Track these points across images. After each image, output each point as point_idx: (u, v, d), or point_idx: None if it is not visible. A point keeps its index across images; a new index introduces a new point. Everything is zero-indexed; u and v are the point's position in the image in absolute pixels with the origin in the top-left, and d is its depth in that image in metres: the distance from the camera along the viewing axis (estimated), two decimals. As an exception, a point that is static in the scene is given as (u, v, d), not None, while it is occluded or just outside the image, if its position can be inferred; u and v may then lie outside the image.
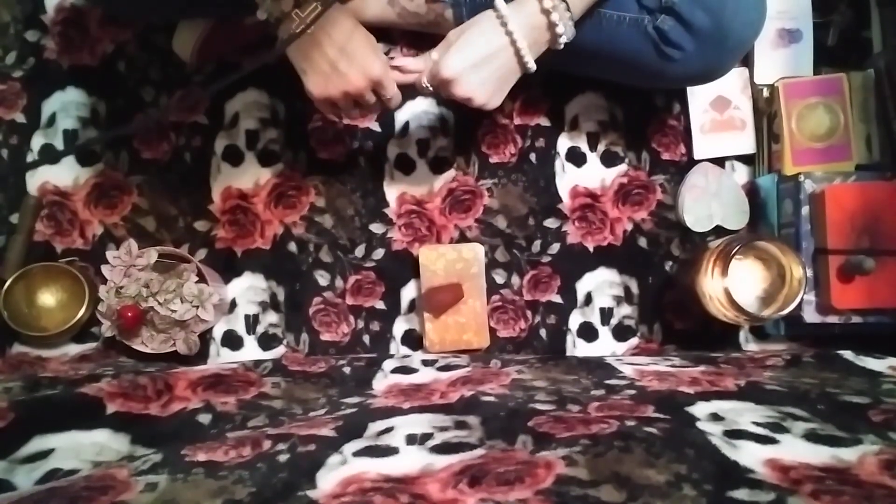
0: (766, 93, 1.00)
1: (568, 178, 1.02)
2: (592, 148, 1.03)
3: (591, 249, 1.02)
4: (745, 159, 1.03)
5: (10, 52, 1.02)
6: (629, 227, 1.02)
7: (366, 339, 1.01)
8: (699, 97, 1.02)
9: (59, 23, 1.02)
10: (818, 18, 1.01)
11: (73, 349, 0.99)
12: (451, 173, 1.02)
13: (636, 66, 0.85)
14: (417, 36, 1.01)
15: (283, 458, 0.56)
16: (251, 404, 0.76)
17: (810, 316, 0.92)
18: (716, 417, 0.61)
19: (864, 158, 0.97)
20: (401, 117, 1.02)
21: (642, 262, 1.02)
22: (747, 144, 1.02)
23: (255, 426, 0.71)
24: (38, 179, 1.01)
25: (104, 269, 0.94)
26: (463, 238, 1.02)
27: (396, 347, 1.02)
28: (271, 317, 1.01)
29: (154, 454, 0.61)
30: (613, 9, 0.81)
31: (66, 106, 1.02)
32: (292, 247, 1.01)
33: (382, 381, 0.83)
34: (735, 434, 0.56)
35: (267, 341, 1.01)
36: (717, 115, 1.02)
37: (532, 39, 0.76)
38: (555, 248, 1.02)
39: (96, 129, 1.02)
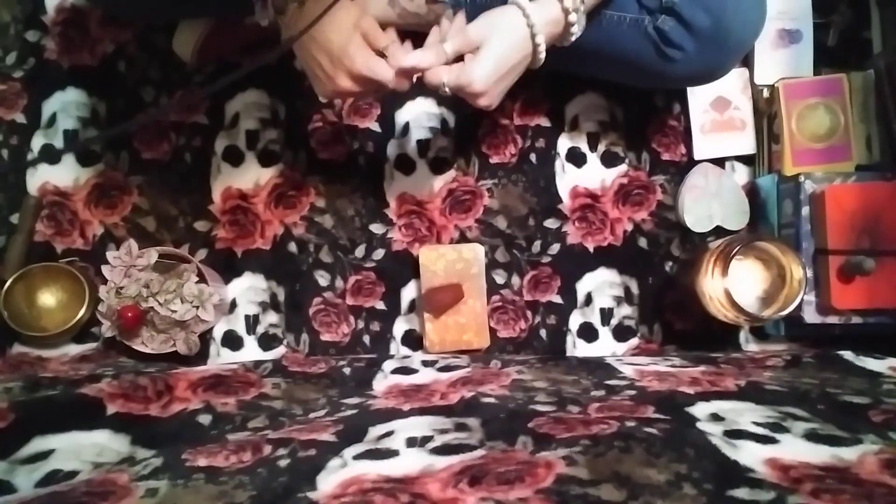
0: (766, 93, 1.00)
1: (568, 179, 1.03)
2: (593, 148, 1.03)
3: (592, 250, 1.02)
4: (746, 160, 1.03)
5: (11, 52, 1.02)
6: (629, 227, 1.02)
7: (366, 339, 1.01)
8: (699, 97, 1.02)
9: (60, 23, 1.02)
10: (818, 19, 1.01)
11: (74, 349, 0.99)
12: (451, 173, 1.02)
13: (636, 67, 0.85)
14: (418, 36, 1.01)
15: (283, 462, 0.56)
16: (251, 405, 0.76)
17: (810, 316, 0.92)
18: (716, 417, 0.61)
19: (864, 159, 0.97)
20: (401, 117, 1.02)
21: (642, 263, 1.02)
22: (747, 145, 1.02)
23: (255, 427, 0.70)
24: (38, 179, 1.01)
25: (104, 270, 0.94)
26: (463, 238, 1.02)
27: (396, 348, 1.02)
28: (271, 317, 1.01)
29: (154, 458, 0.61)
30: (614, 9, 0.81)
31: (67, 106, 1.02)
32: (292, 247, 1.01)
33: (382, 382, 0.83)
34: (735, 434, 0.56)
35: (267, 342, 1.01)
36: (717, 116, 1.02)
37: (548, 35, 0.74)
38: (555, 248, 1.02)
39: (96, 129, 1.02)
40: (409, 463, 0.54)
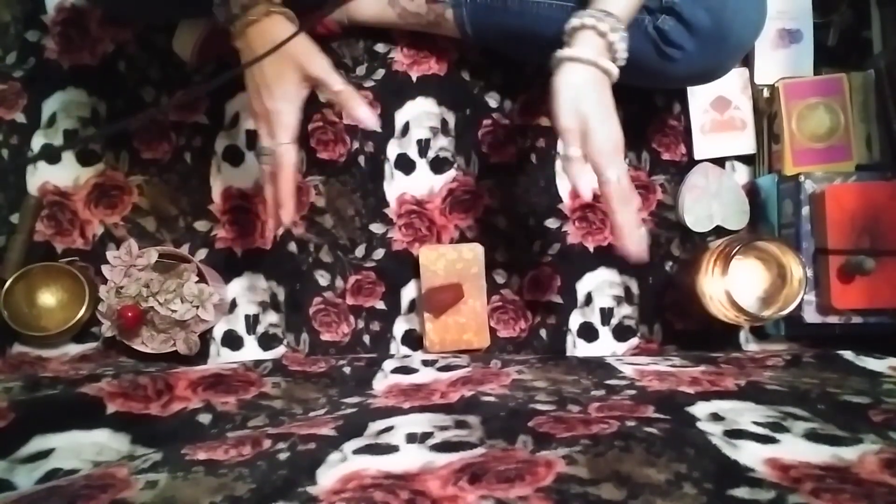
0: (766, 93, 1.00)
1: (568, 179, 1.02)
2: (592, 148, 1.03)
3: (592, 249, 1.02)
4: (746, 159, 1.03)
5: (11, 52, 1.02)
6: (629, 227, 1.02)
7: (366, 339, 1.01)
8: (699, 97, 1.02)
9: (60, 23, 1.02)
10: (818, 18, 1.01)
11: (74, 349, 0.99)
12: (451, 173, 1.02)
13: (636, 66, 0.84)
14: (417, 36, 1.01)
15: (283, 456, 0.56)
16: (251, 404, 0.76)
17: (810, 316, 0.92)
18: (716, 417, 0.61)
19: (864, 158, 0.97)
20: (401, 117, 1.02)
21: (642, 263, 1.02)
22: (747, 145, 1.02)
23: (255, 426, 0.71)
24: (38, 179, 1.01)
25: (104, 269, 0.94)
26: (463, 238, 1.02)
27: (397, 347, 1.02)
28: (271, 317, 1.01)
29: (154, 453, 0.61)
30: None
31: (67, 106, 1.02)
32: (292, 247, 1.01)
33: (382, 381, 0.83)
34: (735, 434, 0.56)
35: (267, 341, 1.01)
36: (717, 116, 1.02)
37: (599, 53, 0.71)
38: (555, 248, 1.02)
39: (96, 128, 1.02)
40: (409, 459, 0.54)
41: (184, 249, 0.99)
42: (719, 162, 1.02)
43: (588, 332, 1.02)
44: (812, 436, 0.56)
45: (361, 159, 1.02)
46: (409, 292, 1.02)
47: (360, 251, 1.02)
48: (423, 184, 1.02)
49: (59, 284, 0.97)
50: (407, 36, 1.02)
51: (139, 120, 1.00)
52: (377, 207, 1.02)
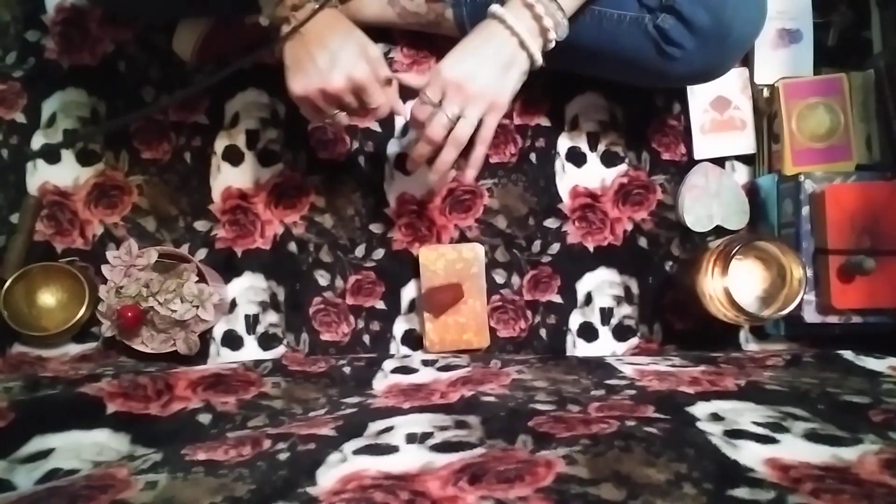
0: (766, 93, 1.00)
1: (568, 178, 1.03)
2: (592, 148, 1.03)
3: (592, 249, 1.02)
4: (746, 159, 1.03)
5: (10, 52, 1.02)
6: (629, 227, 1.02)
7: (366, 339, 1.01)
8: (699, 97, 1.02)
9: (60, 23, 1.02)
10: (818, 18, 1.01)
11: (74, 349, 0.99)
12: (451, 173, 1.02)
13: (637, 65, 0.85)
14: (417, 36, 1.01)
15: (283, 456, 0.56)
16: (251, 404, 0.76)
17: (810, 316, 0.92)
18: (716, 417, 0.61)
19: (864, 158, 0.97)
20: (401, 117, 1.02)
21: (642, 262, 1.02)
22: (747, 144, 1.02)
23: (255, 426, 0.70)
24: (38, 179, 1.01)
25: (104, 269, 0.94)
26: (463, 238, 1.02)
27: (396, 347, 1.02)
28: (271, 317, 1.01)
29: (154, 454, 0.61)
30: (614, 7, 0.81)
31: (67, 106, 1.02)
32: (292, 247, 1.01)
33: (382, 381, 0.83)
34: (735, 434, 0.56)
35: (267, 341, 1.01)
36: (717, 115, 1.02)
37: (529, 31, 0.75)
38: (555, 248, 1.02)
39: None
40: (408, 460, 0.54)
41: (184, 249, 0.99)
42: (719, 162, 1.02)
43: (588, 332, 1.02)
44: (812, 436, 0.56)
45: (361, 159, 1.02)
46: (408, 292, 1.02)
47: (360, 251, 1.02)
48: (423, 183, 1.02)
49: (59, 284, 0.97)
50: (407, 36, 1.02)
51: (138, 116, 1.00)
52: (377, 207, 1.02)
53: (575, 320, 1.02)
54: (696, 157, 1.02)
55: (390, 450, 0.56)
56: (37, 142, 1.01)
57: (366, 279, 1.01)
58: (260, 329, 1.01)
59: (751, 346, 1.01)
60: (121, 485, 0.52)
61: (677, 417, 0.61)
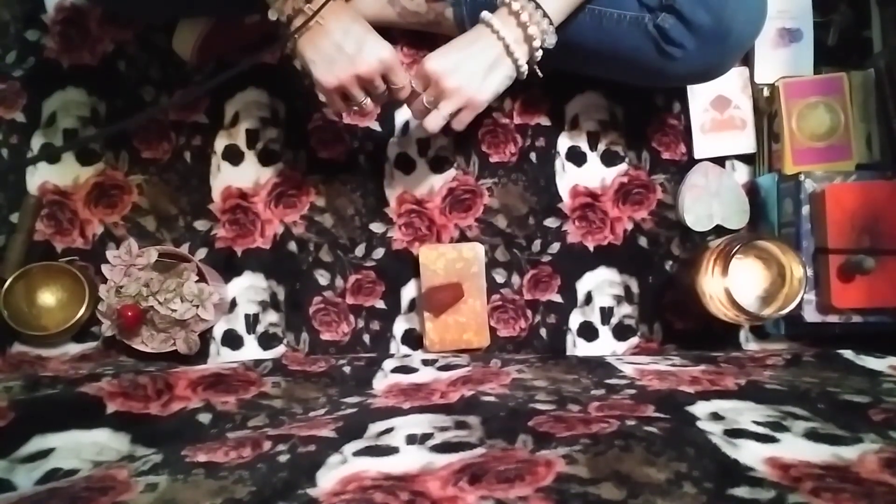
0: (766, 92, 1.00)
1: (568, 178, 1.02)
2: (593, 147, 1.03)
3: (592, 249, 1.02)
4: (746, 159, 1.03)
5: (10, 51, 1.02)
6: (629, 226, 1.02)
7: (366, 338, 1.01)
8: (699, 96, 1.02)
9: (60, 22, 1.02)
10: (818, 18, 1.01)
11: (73, 348, 0.99)
12: (451, 173, 1.02)
13: (637, 65, 0.85)
14: (417, 36, 1.01)
15: (283, 458, 0.56)
16: (251, 404, 0.76)
17: (810, 315, 0.92)
18: (716, 417, 0.61)
19: (864, 158, 0.97)
20: (401, 117, 1.02)
21: (642, 262, 1.02)
22: (747, 144, 1.02)
23: (255, 426, 0.70)
24: (38, 179, 1.01)
25: (104, 269, 0.94)
26: (463, 237, 1.02)
27: (396, 347, 1.02)
28: (271, 316, 1.01)
29: (154, 455, 0.61)
30: (614, 7, 0.81)
31: (67, 105, 1.02)
32: (292, 246, 1.01)
33: (382, 381, 0.83)
34: (735, 433, 0.56)
35: (267, 341, 1.01)
36: (717, 115, 1.02)
37: (515, 38, 0.77)
38: (555, 247, 1.02)
39: (96, 128, 1.02)
40: (408, 460, 0.54)
41: (184, 249, 0.99)
42: (719, 161, 1.02)
43: (588, 332, 1.02)
44: (812, 435, 0.56)
45: (361, 159, 1.02)
46: (408, 292, 1.02)
47: (359, 250, 1.02)
48: (423, 183, 1.02)
49: (59, 284, 0.97)
50: (406, 35, 1.02)
51: (139, 119, 1.00)
52: (377, 206, 1.02)
53: (575, 320, 1.02)
54: (697, 156, 1.02)
55: (390, 451, 0.56)
56: (36, 141, 1.01)
57: (366, 279, 1.01)
58: (260, 328, 1.01)
59: (751, 345, 1.01)
60: (121, 486, 0.52)
61: (677, 417, 0.61)
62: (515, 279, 1.02)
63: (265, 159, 1.02)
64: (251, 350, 1.01)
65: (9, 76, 1.02)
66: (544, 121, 1.03)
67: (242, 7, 0.91)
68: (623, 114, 1.03)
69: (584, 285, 1.02)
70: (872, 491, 0.46)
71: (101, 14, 1.02)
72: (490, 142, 1.02)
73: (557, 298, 1.02)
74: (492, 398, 0.70)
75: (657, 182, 1.03)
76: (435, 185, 1.02)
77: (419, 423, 0.62)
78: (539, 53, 0.79)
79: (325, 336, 1.01)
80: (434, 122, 0.81)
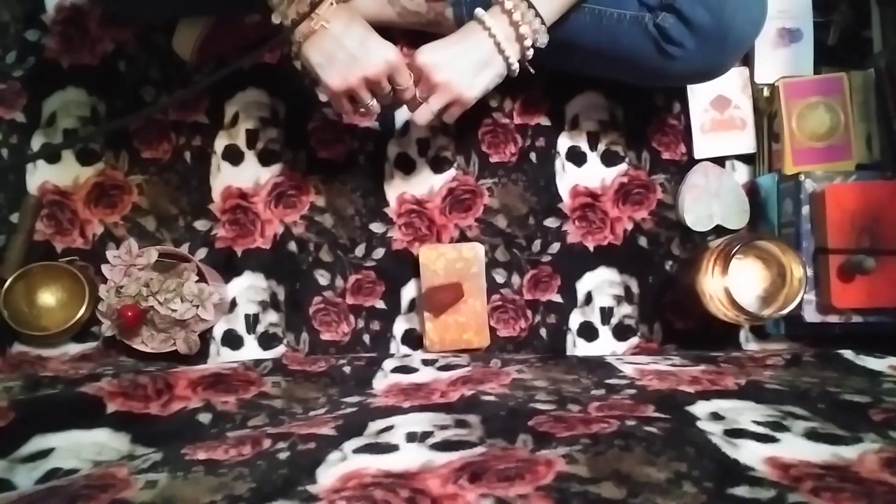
0: (766, 92, 1.00)
1: (568, 178, 1.02)
2: (593, 147, 1.03)
3: (592, 249, 1.02)
4: (746, 159, 1.03)
5: (10, 51, 1.02)
6: (629, 226, 1.02)
7: (366, 338, 1.01)
8: (699, 96, 1.02)
9: (60, 22, 1.02)
10: (818, 18, 1.01)
11: (74, 349, 0.99)
12: (451, 173, 1.02)
13: (637, 64, 0.85)
14: (417, 36, 1.01)
15: (283, 455, 0.56)
16: (251, 404, 0.76)
17: (810, 315, 0.92)
18: (716, 416, 0.61)
19: (864, 158, 0.97)
20: (401, 117, 1.02)
21: (642, 262, 1.02)
22: (747, 144, 1.02)
23: (255, 426, 0.70)
24: (38, 179, 1.01)
25: (104, 269, 0.94)
26: (463, 237, 1.02)
27: (396, 347, 1.02)
28: (271, 316, 1.01)
29: (154, 453, 0.61)
30: (614, 6, 0.82)
31: (67, 105, 1.02)
32: (292, 246, 1.01)
33: (382, 381, 0.83)
34: (735, 433, 0.56)
35: (267, 341, 1.01)
36: (717, 115, 1.02)
37: (506, 36, 0.77)
38: (555, 247, 1.02)
39: (96, 128, 1.02)
40: (408, 458, 0.54)
41: (184, 249, 0.99)
42: (719, 161, 1.02)
43: (588, 332, 1.02)
44: (812, 435, 0.56)
45: (361, 159, 1.02)
46: (408, 292, 1.02)
47: (359, 250, 1.02)
48: (423, 183, 1.02)
49: (59, 284, 0.97)
50: (406, 35, 1.02)
51: (137, 117, 1.00)
52: (377, 207, 1.02)
53: (575, 320, 1.02)
54: (697, 156, 1.02)
55: (390, 448, 0.56)
56: (36, 141, 1.01)
57: (366, 279, 1.01)
58: (260, 328, 1.01)
59: (751, 345, 1.01)
60: (121, 484, 0.52)
61: (677, 416, 0.61)
62: (515, 279, 1.02)
63: (265, 159, 1.02)
64: (251, 350, 1.01)
65: (9, 76, 1.02)
66: (544, 121, 1.03)
67: (242, 7, 0.91)
68: (623, 114, 1.03)
69: (584, 285, 1.02)
70: (872, 491, 0.46)
71: (101, 14, 1.02)
72: (490, 142, 1.03)
73: (557, 298, 1.02)
74: (492, 398, 0.70)
75: (657, 182, 1.03)
76: (435, 185, 1.02)
77: (419, 422, 0.62)
78: (530, 52, 0.79)
79: (325, 336, 1.01)
80: (423, 115, 0.81)
